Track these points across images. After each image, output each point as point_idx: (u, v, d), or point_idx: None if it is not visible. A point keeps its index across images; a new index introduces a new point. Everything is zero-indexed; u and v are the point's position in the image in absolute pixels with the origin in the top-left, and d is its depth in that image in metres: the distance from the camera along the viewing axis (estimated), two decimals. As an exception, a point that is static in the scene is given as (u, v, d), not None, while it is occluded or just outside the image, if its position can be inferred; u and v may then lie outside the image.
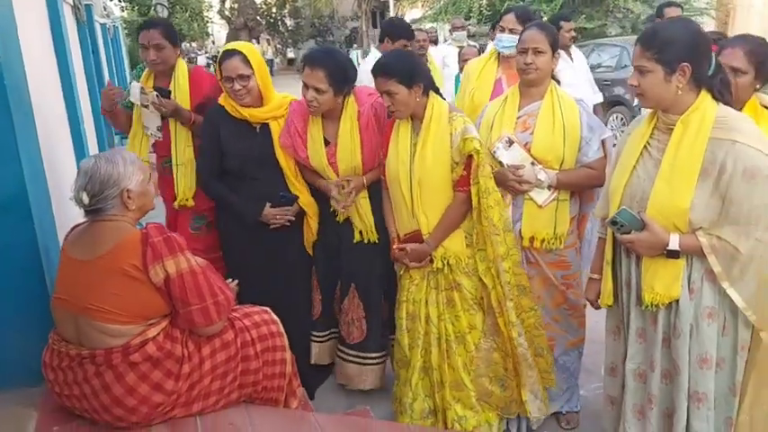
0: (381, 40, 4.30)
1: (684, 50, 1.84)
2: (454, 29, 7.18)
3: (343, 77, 2.67)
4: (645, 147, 2.00)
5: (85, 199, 1.96)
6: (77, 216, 2.10)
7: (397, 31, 4.17)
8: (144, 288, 1.95)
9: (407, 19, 21.42)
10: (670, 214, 1.89)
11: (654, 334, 2.00)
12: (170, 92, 3.03)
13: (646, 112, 2.18)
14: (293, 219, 2.89)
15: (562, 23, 4.77)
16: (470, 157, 2.45)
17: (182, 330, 2.07)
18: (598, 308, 2.28)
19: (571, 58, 4.84)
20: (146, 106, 3.01)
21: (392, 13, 21.51)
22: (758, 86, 2.22)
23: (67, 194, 2.69)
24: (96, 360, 1.95)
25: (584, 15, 12.72)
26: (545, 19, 11.89)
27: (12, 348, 2.24)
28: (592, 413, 2.85)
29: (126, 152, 2.13)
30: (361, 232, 2.86)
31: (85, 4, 6.20)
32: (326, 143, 2.77)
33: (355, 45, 28.51)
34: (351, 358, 3.00)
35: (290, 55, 33.00)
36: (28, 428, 2.05)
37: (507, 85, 3.20)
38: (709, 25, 14.10)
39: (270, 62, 28.14)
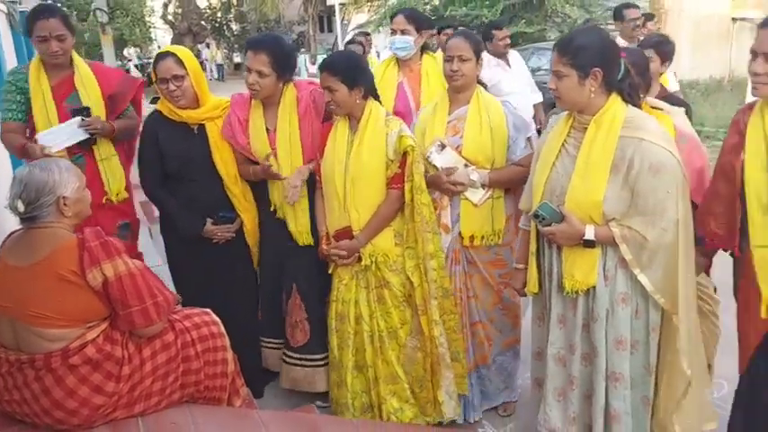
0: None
1: (596, 57, 1.99)
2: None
3: (285, 63, 2.75)
4: (563, 145, 2.14)
5: (21, 207, 1.97)
6: (14, 225, 2.11)
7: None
8: (82, 292, 1.97)
9: (353, 24, 21.56)
10: (586, 207, 2.03)
11: (574, 319, 2.14)
12: (88, 108, 2.91)
13: None
14: (234, 235, 2.94)
15: (494, 32, 4.89)
16: (405, 154, 2.56)
17: (121, 332, 2.10)
18: (524, 295, 2.41)
19: (509, 65, 4.99)
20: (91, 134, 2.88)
21: (338, 18, 21.60)
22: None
23: (2, 203, 2.67)
24: (35, 365, 1.97)
25: (523, 20, 13.08)
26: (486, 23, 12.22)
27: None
28: (528, 401, 2.97)
29: (61, 160, 2.15)
30: (295, 234, 2.88)
31: (20, 11, 6.03)
32: (267, 132, 2.82)
33: (303, 49, 28.45)
34: (295, 361, 2.99)
35: (237, 60, 32.64)
36: (-33, 436, 2.05)
37: (409, 88, 3.28)
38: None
39: (219, 67, 27.64)
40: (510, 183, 2.72)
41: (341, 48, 21.97)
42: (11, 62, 5.02)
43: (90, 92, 2.95)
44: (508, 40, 5.09)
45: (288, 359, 3.02)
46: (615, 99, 2.05)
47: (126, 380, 2.06)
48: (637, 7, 5.15)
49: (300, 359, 2.99)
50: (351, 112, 2.63)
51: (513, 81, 4.71)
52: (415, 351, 2.69)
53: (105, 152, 3.01)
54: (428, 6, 14.53)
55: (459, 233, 2.71)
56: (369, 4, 17.03)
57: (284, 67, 2.74)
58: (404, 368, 2.70)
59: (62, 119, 2.87)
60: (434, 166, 2.66)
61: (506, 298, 2.81)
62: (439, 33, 5.58)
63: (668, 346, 2.07)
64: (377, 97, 2.70)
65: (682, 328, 1.98)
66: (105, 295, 2.00)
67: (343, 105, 2.58)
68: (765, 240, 1.81)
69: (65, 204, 2.02)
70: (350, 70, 2.55)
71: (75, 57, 2.99)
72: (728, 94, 11.97)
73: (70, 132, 2.85)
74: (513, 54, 5.26)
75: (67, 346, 1.98)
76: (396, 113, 3.07)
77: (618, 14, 5.03)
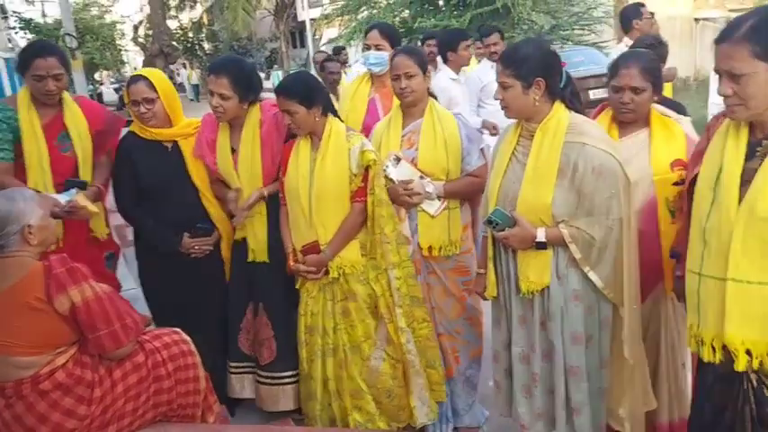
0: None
1: (538, 67, 2.09)
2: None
3: (247, 84, 2.79)
4: (513, 152, 2.24)
5: None
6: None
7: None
8: (49, 318, 2.01)
9: (324, 39, 21.69)
10: (536, 210, 2.12)
11: (532, 318, 2.23)
12: (85, 182, 2.89)
13: None
14: (212, 248, 2.98)
15: (461, 43, 4.67)
16: (368, 168, 2.62)
17: (91, 356, 2.13)
18: (485, 299, 2.48)
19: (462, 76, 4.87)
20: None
21: (309, 34, 21.73)
22: (656, 99, 2.35)
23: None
24: (6, 392, 2.00)
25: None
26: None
27: None
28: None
29: (25, 189, 2.19)
30: (253, 251, 2.91)
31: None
32: (233, 151, 2.87)
33: (276, 66, 28.53)
34: (262, 380, 3.00)
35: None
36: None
37: (381, 104, 3.28)
38: (608, 33, 15.02)
39: (195, 87, 27.45)
40: (465, 193, 2.77)
41: (311, 63, 22.08)
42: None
43: (80, 130, 2.93)
44: (470, 51, 4.97)
45: (258, 377, 3.02)
46: (559, 106, 2.15)
47: (98, 402, 2.10)
48: (643, 9, 4.98)
49: (268, 377, 2.99)
50: (312, 131, 2.69)
51: (460, 92, 4.70)
52: (379, 362, 2.72)
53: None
54: (397, 18, 14.66)
55: (419, 244, 2.74)
56: (339, 18, 17.11)
57: (246, 89, 2.79)
58: (367, 382, 2.73)
59: (53, 160, 2.84)
60: (390, 179, 2.70)
61: (470, 306, 2.83)
62: (422, 45, 5.60)
63: (615, 337, 2.17)
64: (335, 113, 2.77)
65: (626, 319, 2.08)
66: (73, 320, 2.04)
67: (304, 126, 2.64)
68: (696, 266, 1.67)
69: (29, 233, 2.06)
70: (306, 91, 2.61)
71: (64, 93, 2.96)
72: (694, 92, 12.26)
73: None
74: (484, 64, 5.25)
75: (37, 372, 2.01)
76: (365, 128, 3.13)
77: (634, 13, 4.91)
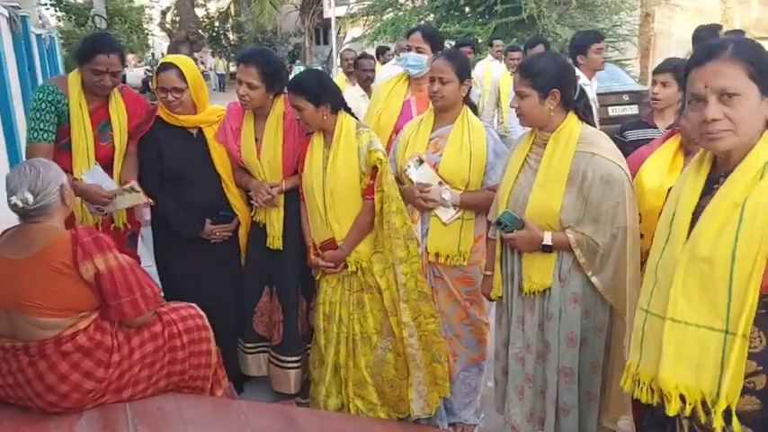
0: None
1: (554, 79, 2.20)
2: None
3: (274, 75, 2.87)
4: (525, 159, 2.34)
5: (30, 198, 2.08)
6: (13, 221, 2.25)
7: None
8: (74, 283, 2.11)
9: (348, 38, 21.81)
10: (544, 215, 2.22)
11: (531, 319, 2.33)
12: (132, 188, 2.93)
13: None
14: (231, 234, 3.10)
15: (592, 45, 4.35)
16: (375, 167, 2.69)
17: (111, 322, 2.24)
18: (491, 300, 2.57)
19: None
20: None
21: (334, 32, 21.85)
22: None
23: (2, 203, 2.81)
24: (30, 351, 2.10)
25: (515, 39, 13.33)
26: (479, 41, 12.48)
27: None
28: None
29: (41, 159, 2.28)
30: (270, 237, 3.01)
31: (21, 15, 6.20)
32: (257, 140, 2.98)
33: (298, 61, 28.66)
34: (273, 360, 3.15)
35: (233, 69, 32.80)
36: (-37, 417, 2.18)
37: (416, 107, 3.28)
38: (631, 51, 15.04)
39: (221, 77, 27.39)
40: (481, 207, 2.74)
41: (336, 60, 22.17)
42: (11, 66, 5.17)
43: (121, 122, 2.99)
44: (602, 56, 4.53)
45: (270, 356, 3.17)
46: (572, 117, 2.25)
47: (115, 366, 2.21)
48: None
49: (275, 358, 3.13)
50: (322, 128, 2.77)
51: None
52: (385, 352, 2.82)
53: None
54: (422, 22, 14.76)
55: (426, 248, 2.79)
56: (364, 18, 17.25)
57: (273, 80, 2.88)
58: (371, 372, 2.83)
59: (96, 144, 2.91)
60: (410, 179, 2.75)
61: (473, 315, 2.86)
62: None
63: (617, 343, 2.25)
64: (347, 109, 2.83)
65: (628, 324, 2.14)
66: (97, 287, 2.15)
67: (312, 122, 2.73)
68: (644, 302, 1.57)
69: (65, 193, 2.18)
70: (314, 88, 2.68)
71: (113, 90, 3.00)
72: None
73: (103, 178, 2.89)
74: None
75: (60, 333, 2.11)
76: (397, 130, 3.17)
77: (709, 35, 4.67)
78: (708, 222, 1.44)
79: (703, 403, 1.43)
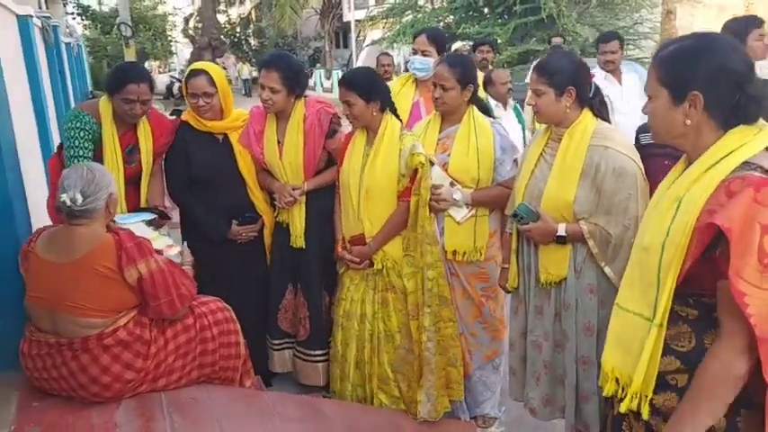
0: None
1: (570, 77, 2.27)
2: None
3: (295, 79, 2.98)
4: (541, 154, 2.41)
5: (79, 199, 2.17)
6: (47, 221, 2.37)
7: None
8: (117, 286, 2.22)
9: (368, 40, 21.96)
10: (559, 207, 2.29)
11: (548, 309, 2.40)
12: (164, 215, 3.06)
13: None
14: (256, 234, 3.21)
15: (753, 31, 3.79)
16: (416, 170, 2.70)
17: (149, 317, 2.35)
18: (508, 291, 2.64)
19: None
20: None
21: (353, 35, 22.03)
22: None
23: (39, 203, 2.96)
24: (74, 347, 2.21)
25: (534, 38, 13.34)
26: (499, 42, 12.49)
27: (-7, 337, 2.47)
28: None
29: (98, 164, 2.41)
30: (293, 237, 3.12)
31: (53, 25, 6.42)
32: (279, 143, 3.08)
33: (318, 65, 28.91)
34: (299, 354, 3.26)
35: (255, 74, 33.15)
36: (11, 406, 2.31)
37: (425, 108, 3.31)
38: (653, 49, 14.93)
39: (246, 82, 27.56)
40: (493, 203, 2.79)
41: (356, 63, 22.29)
42: (44, 74, 5.37)
43: (148, 146, 3.07)
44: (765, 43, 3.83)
45: (295, 352, 3.29)
46: (587, 113, 2.32)
47: (152, 357, 2.32)
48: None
49: (301, 353, 3.24)
50: (368, 125, 2.82)
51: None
52: (407, 353, 2.87)
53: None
54: (441, 24, 14.83)
55: (443, 246, 2.81)
56: (383, 21, 17.37)
57: (294, 83, 2.99)
58: (393, 368, 2.90)
59: (125, 169, 2.98)
60: None
61: (487, 312, 2.89)
62: (474, 50, 5.63)
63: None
64: (394, 111, 2.88)
65: None
66: (139, 289, 2.26)
67: (361, 118, 2.78)
68: (623, 301, 1.57)
69: (111, 201, 2.28)
70: (366, 85, 2.75)
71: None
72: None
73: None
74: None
75: (102, 331, 2.22)
76: None
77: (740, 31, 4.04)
78: (652, 214, 1.50)
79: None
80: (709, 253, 1.36)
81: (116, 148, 2.97)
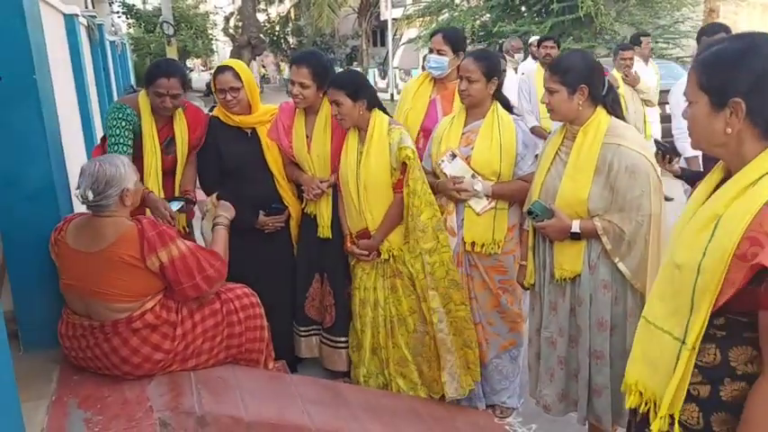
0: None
1: (582, 75, 2.33)
2: (514, 50, 7.08)
3: (324, 75, 3.10)
4: (557, 152, 2.47)
5: (90, 196, 2.30)
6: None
7: None
8: (142, 273, 2.35)
9: (404, 39, 22.04)
10: (573, 204, 2.35)
11: (563, 304, 2.46)
12: (194, 202, 3.26)
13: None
14: (283, 225, 3.35)
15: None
16: (405, 162, 2.85)
17: (175, 300, 2.49)
18: (526, 288, 2.71)
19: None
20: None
21: (390, 33, 22.11)
22: None
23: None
24: (105, 329, 2.36)
25: (571, 37, 13.23)
26: (534, 39, 12.42)
27: (38, 317, 2.64)
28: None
29: (122, 156, 2.54)
30: (321, 227, 3.24)
31: (98, 24, 6.68)
32: (307, 137, 3.21)
33: (355, 63, 29.09)
34: (324, 341, 3.39)
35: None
36: (53, 378, 2.47)
37: (441, 107, 3.39)
38: (694, 48, 14.63)
39: (287, 81, 27.58)
40: (512, 196, 2.88)
41: (392, 61, 22.33)
42: (89, 70, 5.62)
43: (183, 138, 3.22)
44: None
45: (321, 338, 3.42)
46: (600, 111, 2.37)
47: (180, 339, 2.46)
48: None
49: (328, 339, 3.37)
50: (357, 124, 2.96)
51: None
52: (423, 335, 3.00)
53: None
54: (477, 22, 14.81)
55: (463, 238, 2.93)
56: (420, 19, 17.42)
57: (323, 79, 3.11)
58: (411, 351, 3.01)
59: (163, 160, 3.15)
60: (444, 173, 2.90)
61: (504, 303, 2.98)
62: (538, 46, 5.94)
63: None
64: (382, 108, 3.01)
65: None
66: (162, 275, 2.39)
67: (349, 117, 2.91)
68: (653, 316, 1.50)
69: (126, 195, 2.39)
70: (352, 85, 2.88)
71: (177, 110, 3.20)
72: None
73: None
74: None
75: (131, 315, 2.36)
76: (423, 129, 3.35)
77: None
78: (688, 230, 1.41)
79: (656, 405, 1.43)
80: (752, 287, 1.26)
81: (155, 139, 3.12)
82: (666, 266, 1.46)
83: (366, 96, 2.91)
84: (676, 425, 1.40)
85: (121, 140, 3.04)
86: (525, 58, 7.25)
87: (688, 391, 1.39)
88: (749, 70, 1.32)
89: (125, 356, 2.36)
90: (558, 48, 5.92)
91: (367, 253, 3.02)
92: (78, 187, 2.34)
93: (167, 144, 3.19)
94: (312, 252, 3.35)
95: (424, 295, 2.92)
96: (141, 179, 3.04)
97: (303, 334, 3.45)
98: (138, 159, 3.11)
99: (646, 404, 1.48)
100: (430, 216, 2.87)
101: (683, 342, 1.37)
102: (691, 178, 2.55)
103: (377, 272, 3.06)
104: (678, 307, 1.39)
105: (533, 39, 7.28)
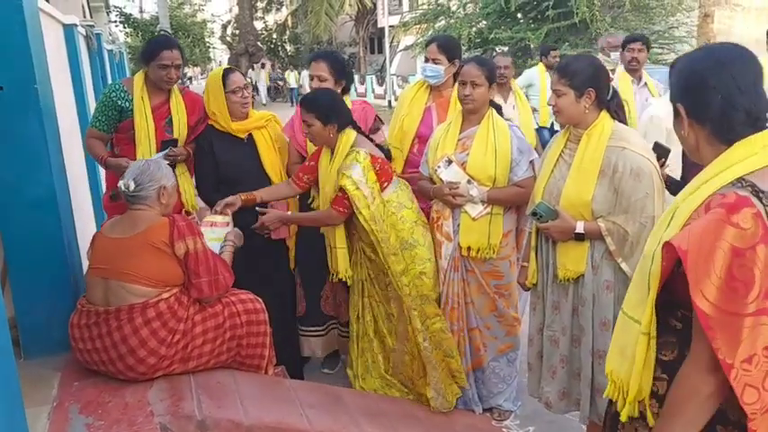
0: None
1: (589, 79, 2.35)
2: (611, 48, 6.10)
3: (341, 68, 3.29)
4: (560, 155, 2.49)
5: (132, 186, 2.48)
6: (90, 213, 2.57)
7: None
8: (167, 259, 2.45)
9: (401, 46, 22.13)
10: (577, 205, 2.37)
11: (566, 304, 2.47)
12: (176, 140, 3.25)
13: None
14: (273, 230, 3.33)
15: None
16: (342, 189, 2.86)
17: (188, 297, 2.53)
18: (527, 289, 2.72)
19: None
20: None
21: (387, 40, 22.21)
22: None
23: (80, 196, 3.17)
24: (120, 315, 2.40)
25: (567, 43, 13.30)
26: (531, 47, 12.50)
27: (40, 323, 2.65)
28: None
29: (165, 163, 2.71)
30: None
31: (96, 33, 6.72)
32: None
33: (353, 70, 29.12)
34: (342, 333, 3.51)
35: (302, 82, 33.41)
36: (54, 384, 2.47)
37: (437, 114, 3.41)
38: (689, 53, 14.70)
39: (292, 90, 26.38)
40: (508, 202, 2.91)
41: (389, 68, 22.42)
42: (87, 79, 5.64)
43: (180, 118, 3.29)
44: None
45: (339, 331, 3.55)
46: (605, 115, 2.40)
47: (180, 335, 2.47)
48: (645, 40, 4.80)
49: (345, 331, 3.46)
50: (327, 144, 3.00)
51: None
52: (402, 354, 3.03)
53: (179, 170, 3.32)
54: (473, 29, 14.89)
55: (459, 243, 2.94)
56: (417, 26, 17.51)
57: (340, 72, 3.26)
58: (392, 372, 3.10)
59: (159, 136, 3.22)
60: (440, 179, 2.92)
61: (500, 307, 3.00)
62: (623, 48, 4.95)
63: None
64: (356, 127, 3.03)
65: None
66: (185, 264, 2.48)
67: (318, 138, 2.97)
68: (626, 304, 1.53)
69: (163, 192, 2.54)
70: (324, 107, 2.90)
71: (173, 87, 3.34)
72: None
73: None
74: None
75: (147, 300, 2.42)
76: (419, 136, 3.38)
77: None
78: (658, 221, 1.51)
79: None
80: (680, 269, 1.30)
81: (146, 113, 3.19)
82: (641, 258, 1.52)
83: (337, 120, 2.93)
84: (648, 411, 1.43)
85: (101, 117, 3.21)
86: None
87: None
88: (686, 78, 1.42)
89: (133, 347, 2.39)
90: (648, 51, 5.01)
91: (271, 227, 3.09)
92: (122, 179, 2.53)
93: (168, 123, 3.27)
94: (320, 251, 3.34)
95: (407, 317, 2.94)
96: (134, 157, 3.20)
97: (322, 332, 3.53)
98: (129, 141, 3.22)
99: (619, 393, 1.51)
100: (395, 237, 2.92)
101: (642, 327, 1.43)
102: (673, 185, 2.59)
103: (360, 289, 3.13)
104: (642, 295, 1.45)
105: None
